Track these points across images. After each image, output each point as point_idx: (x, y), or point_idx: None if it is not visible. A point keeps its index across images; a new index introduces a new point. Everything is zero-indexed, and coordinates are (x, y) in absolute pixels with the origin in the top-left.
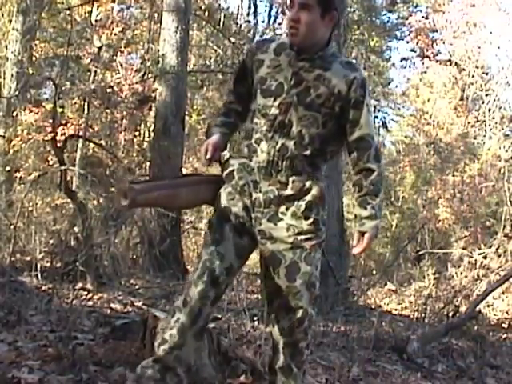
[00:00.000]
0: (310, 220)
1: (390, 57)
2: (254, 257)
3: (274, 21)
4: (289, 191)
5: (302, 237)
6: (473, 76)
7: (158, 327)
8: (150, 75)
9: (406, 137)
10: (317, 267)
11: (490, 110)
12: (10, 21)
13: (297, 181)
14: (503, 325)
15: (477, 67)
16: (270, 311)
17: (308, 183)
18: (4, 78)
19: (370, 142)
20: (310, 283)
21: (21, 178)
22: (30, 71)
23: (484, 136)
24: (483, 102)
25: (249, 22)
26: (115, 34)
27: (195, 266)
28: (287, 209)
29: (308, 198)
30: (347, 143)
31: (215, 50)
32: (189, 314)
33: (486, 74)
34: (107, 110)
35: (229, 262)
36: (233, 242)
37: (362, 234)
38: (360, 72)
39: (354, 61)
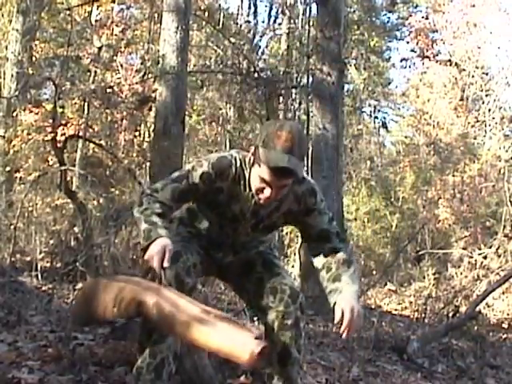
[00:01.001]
0: (266, 243)
1: (390, 57)
2: None
3: (274, 21)
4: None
5: (264, 248)
6: (473, 76)
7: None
8: (150, 75)
9: (406, 137)
10: (285, 268)
11: (490, 110)
12: (10, 21)
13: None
14: (503, 325)
15: (477, 67)
16: (259, 305)
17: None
18: (4, 78)
19: (328, 235)
20: (286, 272)
21: (21, 178)
22: (30, 71)
23: (484, 136)
24: (483, 102)
25: (249, 22)
26: (115, 34)
27: None
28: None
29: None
30: (305, 238)
31: (215, 50)
32: None
33: (486, 74)
34: (107, 110)
35: (196, 260)
36: (197, 250)
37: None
38: (307, 182)
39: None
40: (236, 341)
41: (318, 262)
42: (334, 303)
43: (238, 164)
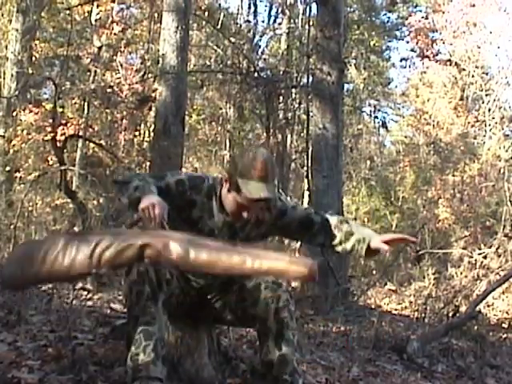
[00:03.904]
0: None
1: (390, 57)
2: None
3: (274, 21)
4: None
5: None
6: (473, 76)
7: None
8: (150, 75)
9: (405, 137)
10: None
11: (490, 110)
12: (10, 21)
13: None
14: (503, 325)
15: (477, 67)
16: (244, 311)
17: None
18: (4, 78)
19: (310, 218)
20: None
21: (21, 178)
22: (30, 71)
23: (484, 136)
24: (483, 102)
25: (249, 21)
26: (115, 34)
27: None
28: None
29: None
30: (295, 236)
31: (215, 50)
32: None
33: (486, 73)
34: (107, 110)
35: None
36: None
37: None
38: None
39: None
40: (289, 261)
41: (325, 239)
42: (367, 247)
43: (211, 182)
